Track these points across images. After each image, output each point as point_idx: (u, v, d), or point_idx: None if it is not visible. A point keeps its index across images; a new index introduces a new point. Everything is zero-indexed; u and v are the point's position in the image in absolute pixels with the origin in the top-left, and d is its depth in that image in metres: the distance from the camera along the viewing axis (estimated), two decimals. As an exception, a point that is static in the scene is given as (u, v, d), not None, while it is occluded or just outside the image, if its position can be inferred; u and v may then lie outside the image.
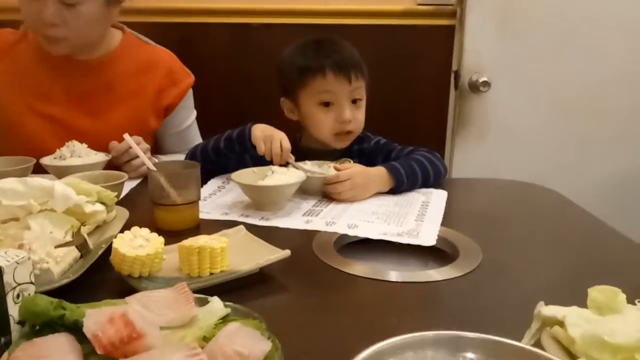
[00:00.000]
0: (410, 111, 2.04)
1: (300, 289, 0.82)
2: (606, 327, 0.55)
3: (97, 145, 1.35)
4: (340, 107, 1.33)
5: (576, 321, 0.58)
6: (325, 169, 1.26)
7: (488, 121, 2.06)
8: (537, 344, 0.59)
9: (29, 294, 0.59)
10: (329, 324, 0.71)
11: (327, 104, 1.33)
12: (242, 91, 1.97)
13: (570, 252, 0.98)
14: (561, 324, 0.59)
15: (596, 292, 0.63)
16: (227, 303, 0.63)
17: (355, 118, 1.35)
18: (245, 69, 1.97)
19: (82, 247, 0.82)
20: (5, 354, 0.52)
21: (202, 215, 1.07)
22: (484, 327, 0.56)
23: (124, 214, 0.99)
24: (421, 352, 0.55)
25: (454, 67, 2.02)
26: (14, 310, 0.58)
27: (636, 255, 0.96)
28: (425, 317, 0.76)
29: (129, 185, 1.29)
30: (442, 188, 1.30)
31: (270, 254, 0.81)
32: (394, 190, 1.25)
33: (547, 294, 0.64)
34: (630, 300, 0.62)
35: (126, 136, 1.06)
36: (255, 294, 0.76)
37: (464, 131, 2.08)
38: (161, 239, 0.77)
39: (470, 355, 0.55)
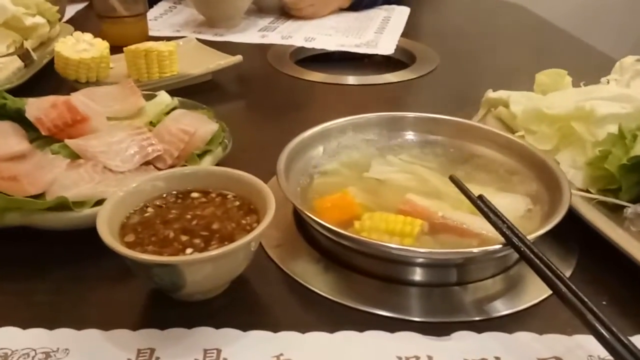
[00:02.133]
0: None
1: (254, 95, 0.81)
2: (546, 102, 0.57)
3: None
4: None
5: (519, 99, 0.59)
6: (283, -14, 1.19)
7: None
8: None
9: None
10: (282, 120, 0.72)
11: None
12: None
13: (527, 55, 0.97)
14: (506, 104, 0.61)
15: (543, 75, 0.64)
16: (175, 97, 0.62)
17: None
18: None
19: (25, 57, 0.78)
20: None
21: (152, 33, 1.02)
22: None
23: (68, 29, 0.94)
24: (365, 132, 0.57)
25: None
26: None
27: (588, 57, 0.97)
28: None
29: (73, 9, 1.21)
30: (407, 5, 1.25)
31: (221, 60, 0.79)
32: (355, 6, 1.20)
33: (499, 88, 0.64)
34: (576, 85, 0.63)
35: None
36: (208, 100, 0.74)
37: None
38: (106, 43, 0.74)
39: (410, 134, 0.57)
